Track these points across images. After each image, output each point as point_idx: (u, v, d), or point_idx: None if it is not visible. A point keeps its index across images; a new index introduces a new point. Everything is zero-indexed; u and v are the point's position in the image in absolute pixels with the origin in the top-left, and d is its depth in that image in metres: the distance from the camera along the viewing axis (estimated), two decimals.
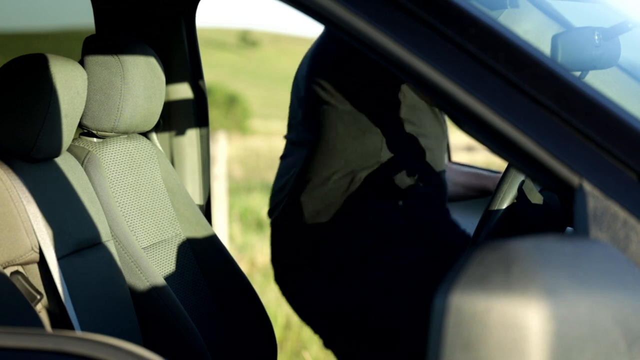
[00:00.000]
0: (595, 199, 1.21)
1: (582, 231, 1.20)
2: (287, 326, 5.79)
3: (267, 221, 4.86)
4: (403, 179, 2.70)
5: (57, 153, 2.25)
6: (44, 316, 2.13)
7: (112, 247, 2.41)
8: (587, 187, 1.22)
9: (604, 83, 2.25)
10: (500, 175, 3.13)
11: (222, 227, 7.58)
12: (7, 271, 2.10)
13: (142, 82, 2.58)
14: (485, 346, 1.02)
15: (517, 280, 1.02)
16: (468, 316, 1.02)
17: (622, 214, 1.20)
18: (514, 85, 1.27)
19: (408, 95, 2.68)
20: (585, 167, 1.23)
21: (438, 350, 1.03)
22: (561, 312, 1.02)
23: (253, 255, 7.84)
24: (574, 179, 1.23)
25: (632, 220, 1.19)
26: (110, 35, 2.76)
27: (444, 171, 2.79)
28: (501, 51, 1.27)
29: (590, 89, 1.27)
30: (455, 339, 1.02)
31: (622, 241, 1.19)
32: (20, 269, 2.13)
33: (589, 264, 1.08)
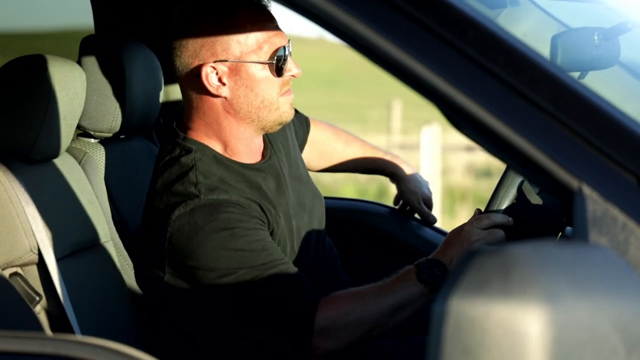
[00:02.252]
0: (594, 202, 1.21)
1: (581, 235, 1.19)
2: None
3: None
4: None
5: (56, 154, 2.25)
6: (43, 317, 2.13)
7: (110, 247, 2.41)
8: (587, 190, 1.22)
9: (604, 83, 2.25)
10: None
11: None
12: (6, 273, 2.10)
13: (140, 82, 2.57)
14: (485, 352, 1.01)
15: (517, 286, 1.02)
16: (467, 322, 1.02)
17: (621, 217, 1.20)
18: (513, 88, 1.27)
19: None
20: (584, 170, 1.23)
21: (437, 355, 1.03)
22: (560, 318, 1.02)
23: None
24: (573, 182, 1.23)
25: (631, 224, 1.19)
26: (107, 36, 2.76)
27: None
28: (500, 54, 1.27)
29: (589, 92, 1.26)
30: (454, 344, 1.02)
31: (622, 245, 1.19)
32: (19, 270, 2.13)
33: (588, 269, 1.08)
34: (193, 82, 2.24)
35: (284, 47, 2.24)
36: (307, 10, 1.34)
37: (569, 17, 2.48)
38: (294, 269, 2.20)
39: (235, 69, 2.22)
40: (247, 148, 2.32)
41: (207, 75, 2.21)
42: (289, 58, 2.25)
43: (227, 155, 2.28)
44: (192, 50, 2.24)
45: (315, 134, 2.81)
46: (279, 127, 2.34)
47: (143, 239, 2.31)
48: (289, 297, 2.17)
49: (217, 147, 2.28)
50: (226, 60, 2.21)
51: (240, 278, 2.15)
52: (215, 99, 2.25)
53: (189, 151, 2.25)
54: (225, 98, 2.24)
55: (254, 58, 2.22)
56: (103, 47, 2.55)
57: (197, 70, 2.22)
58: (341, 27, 1.32)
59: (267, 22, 2.25)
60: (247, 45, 2.22)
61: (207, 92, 2.23)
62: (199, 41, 2.23)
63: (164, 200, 2.21)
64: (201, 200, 2.16)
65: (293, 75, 2.27)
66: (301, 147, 2.72)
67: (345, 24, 1.31)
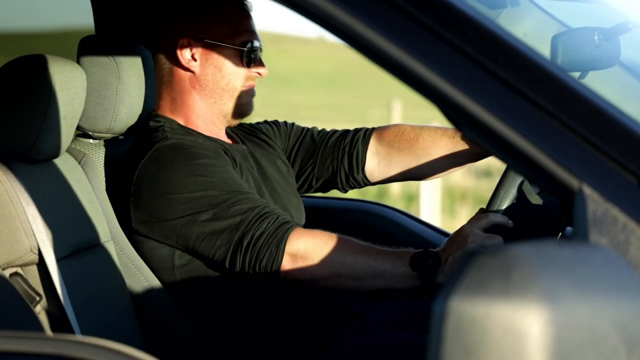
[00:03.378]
0: (594, 202, 1.21)
1: (582, 235, 1.19)
2: None
3: None
4: None
5: (56, 154, 2.25)
6: (43, 318, 2.12)
7: (111, 248, 2.41)
8: (587, 190, 1.22)
9: (604, 83, 2.24)
10: None
11: None
12: (6, 273, 2.09)
13: (138, 82, 2.57)
14: (485, 351, 1.01)
15: (517, 286, 1.02)
16: (468, 321, 1.02)
17: (621, 217, 1.20)
18: (513, 88, 1.27)
19: None
20: (584, 170, 1.23)
21: (438, 355, 1.03)
22: (561, 318, 1.02)
23: None
24: (573, 182, 1.23)
25: (631, 224, 1.19)
26: (106, 36, 2.75)
27: None
28: (500, 54, 1.27)
29: (589, 92, 1.26)
30: (454, 344, 1.02)
31: (622, 245, 1.19)
32: (19, 270, 2.12)
33: (589, 269, 1.08)
34: (167, 54, 2.42)
35: (256, 42, 2.41)
36: (307, 10, 1.34)
37: (569, 17, 2.48)
38: (266, 201, 2.27)
39: (209, 49, 2.39)
40: (204, 124, 2.45)
41: (182, 48, 2.39)
42: (259, 55, 2.42)
43: (189, 127, 2.43)
44: (172, 24, 2.41)
45: (381, 134, 2.66)
46: (239, 119, 2.49)
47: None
48: (262, 215, 2.22)
49: (180, 121, 2.44)
50: (203, 39, 2.38)
51: (211, 200, 2.23)
52: (184, 73, 2.42)
53: (157, 121, 2.41)
54: (193, 73, 2.41)
55: (228, 43, 2.39)
56: (103, 47, 2.55)
57: (173, 43, 2.40)
58: (341, 27, 1.32)
59: (246, 19, 2.43)
60: (224, 30, 2.39)
61: (179, 65, 2.42)
62: (181, 18, 2.41)
63: (132, 155, 2.36)
64: (168, 140, 2.32)
65: (259, 73, 2.44)
66: (301, 154, 2.68)
67: (345, 24, 1.31)
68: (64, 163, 2.35)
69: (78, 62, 2.53)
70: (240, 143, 2.53)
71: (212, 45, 2.39)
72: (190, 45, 2.39)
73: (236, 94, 2.42)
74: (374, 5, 1.31)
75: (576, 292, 1.05)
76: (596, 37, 2.12)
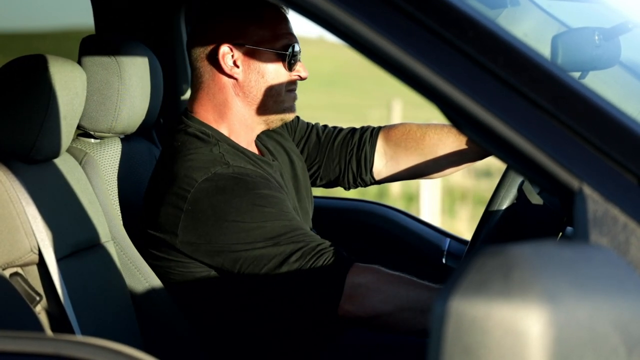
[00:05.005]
0: (595, 202, 1.21)
1: (582, 235, 1.19)
2: None
3: None
4: None
5: (57, 154, 2.25)
6: (43, 318, 2.12)
7: (111, 248, 2.41)
8: (587, 190, 1.22)
9: (605, 83, 2.25)
10: None
11: None
12: (6, 273, 2.10)
13: (140, 82, 2.57)
14: (485, 352, 1.01)
15: (517, 286, 1.02)
16: (468, 322, 1.02)
17: (622, 217, 1.20)
18: (513, 88, 1.27)
19: None
20: (585, 170, 1.23)
21: (437, 355, 1.03)
22: (561, 318, 1.02)
23: None
24: (573, 182, 1.23)
25: (632, 224, 1.19)
26: (107, 36, 2.76)
27: None
28: (500, 54, 1.27)
29: (589, 92, 1.26)
30: (454, 344, 1.02)
31: (622, 245, 1.19)
32: (19, 270, 2.13)
33: (589, 269, 1.08)
34: (209, 61, 2.37)
35: (296, 45, 2.38)
36: (307, 10, 1.34)
37: (570, 17, 2.48)
38: (320, 238, 2.23)
39: (251, 54, 2.35)
40: (245, 132, 2.41)
41: (223, 55, 2.34)
42: (299, 58, 2.40)
43: (232, 139, 2.38)
44: (215, 31, 2.36)
45: (387, 134, 2.68)
46: (280, 123, 2.44)
47: (144, 212, 2.37)
48: (319, 251, 2.19)
49: (224, 131, 2.39)
50: (244, 45, 2.34)
51: (267, 232, 2.19)
52: (226, 80, 2.37)
53: (205, 133, 2.35)
54: (236, 80, 2.36)
55: (269, 47, 2.35)
56: (104, 47, 2.55)
57: (215, 50, 2.35)
58: (341, 27, 1.32)
59: (285, 22, 2.40)
60: (265, 35, 2.36)
61: (221, 72, 2.36)
62: (222, 24, 2.36)
63: (184, 167, 2.28)
64: (229, 167, 2.26)
65: (300, 77, 2.40)
66: (313, 151, 2.69)
67: (345, 24, 1.31)
68: (64, 163, 2.35)
69: (79, 62, 2.54)
70: (268, 154, 2.48)
71: (253, 50, 2.34)
72: (232, 52, 2.33)
73: (280, 98, 2.37)
74: (374, 5, 1.31)
75: (576, 292, 1.05)
76: (596, 37, 2.12)
